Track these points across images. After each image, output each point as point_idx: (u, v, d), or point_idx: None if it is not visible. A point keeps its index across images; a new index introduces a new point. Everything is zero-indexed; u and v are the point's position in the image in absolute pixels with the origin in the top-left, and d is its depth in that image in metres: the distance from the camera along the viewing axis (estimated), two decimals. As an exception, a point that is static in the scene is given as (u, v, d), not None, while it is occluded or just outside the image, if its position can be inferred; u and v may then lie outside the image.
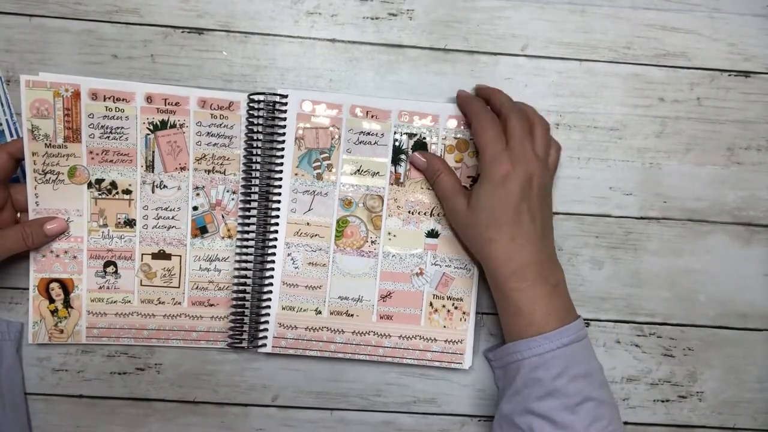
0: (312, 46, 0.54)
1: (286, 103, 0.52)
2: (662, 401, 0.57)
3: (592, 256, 0.56)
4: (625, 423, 0.56)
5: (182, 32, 0.53)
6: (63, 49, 0.52)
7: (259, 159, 0.52)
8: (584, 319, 0.55)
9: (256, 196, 0.53)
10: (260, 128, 0.52)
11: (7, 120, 0.52)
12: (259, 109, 0.52)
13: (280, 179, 0.52)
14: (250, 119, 0.52)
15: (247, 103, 0.52)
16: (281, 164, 0.52)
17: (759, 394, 0.57)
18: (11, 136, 0.52)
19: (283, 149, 0.52)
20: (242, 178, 0.53)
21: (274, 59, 0.53)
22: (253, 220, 0.52)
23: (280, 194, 0.52)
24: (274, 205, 0.53)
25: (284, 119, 0.52)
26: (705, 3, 0.55)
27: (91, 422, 0.55)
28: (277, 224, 0.53)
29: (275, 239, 0.53)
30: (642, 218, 0.56)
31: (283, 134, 0.52)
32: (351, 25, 0.54)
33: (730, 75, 0.55)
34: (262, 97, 0.52)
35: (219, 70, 0.53)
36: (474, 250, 0.50)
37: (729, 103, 0.55)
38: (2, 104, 0.52)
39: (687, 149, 0.55)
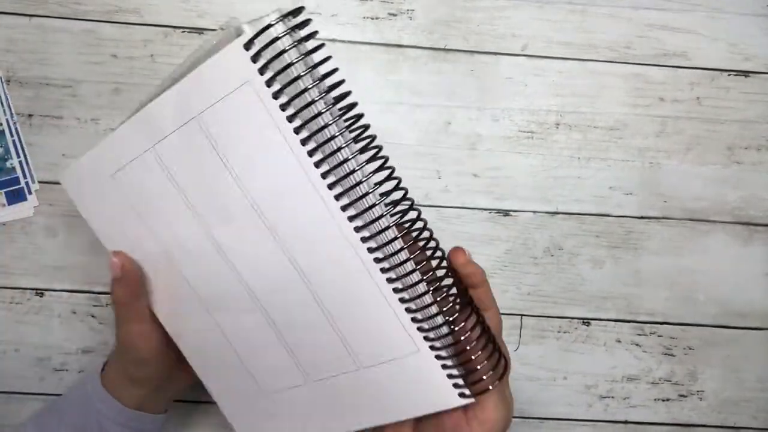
0: (312, 46, 0.54)
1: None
2: (663, 400, 0.57)
3: (592, 255, 0.56)
4: (626, 422, 0.56)
5: (182, 32, 0.53)
6: (63, 49, 0.52)
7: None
8: (585, 319, 0.56)
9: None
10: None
11: (7, 120, 0.52)
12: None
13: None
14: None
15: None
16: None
17: (759, 394, 0.57)
18: (11, 136, 0.52)
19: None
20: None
21: (275, 59, 0.53)
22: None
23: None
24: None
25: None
26: (705, 3, 0.55)
27: (92, 422, 0.55)
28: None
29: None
30: (642, 218, 0.56)
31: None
32: (351, 25, 0.54)
33: (730, 75, 0.55)
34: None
35: (219, 70, 0.53)
36: None
37: (729, 103, 0.55)
38: (2, 104, 0.52)
39: (687, 149, 0.56)
